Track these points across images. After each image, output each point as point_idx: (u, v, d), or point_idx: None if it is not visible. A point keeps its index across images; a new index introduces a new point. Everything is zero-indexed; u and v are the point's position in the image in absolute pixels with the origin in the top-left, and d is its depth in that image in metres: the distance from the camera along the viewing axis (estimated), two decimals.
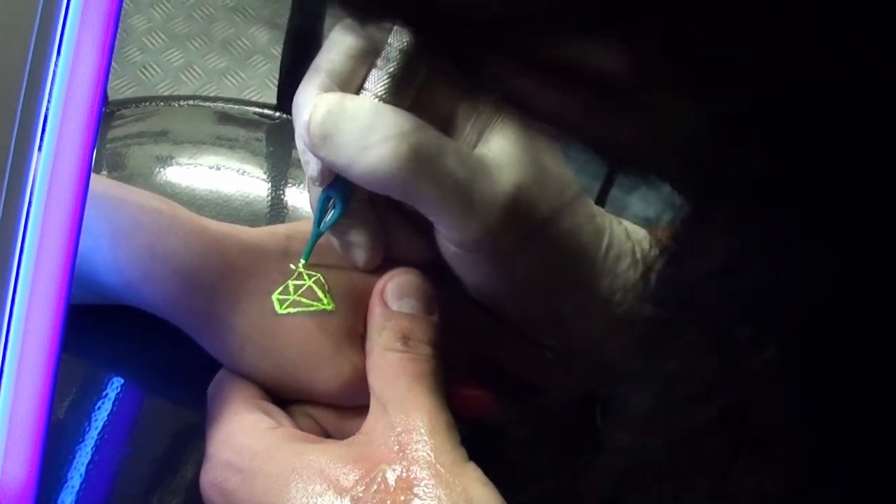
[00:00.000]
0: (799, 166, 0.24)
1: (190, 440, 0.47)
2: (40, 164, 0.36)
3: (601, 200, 0.50)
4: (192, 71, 1.57)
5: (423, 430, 0.38)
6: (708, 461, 0.31)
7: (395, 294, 0.43)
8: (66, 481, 0.44)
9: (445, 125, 0.42)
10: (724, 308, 0.27)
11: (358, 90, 0.41)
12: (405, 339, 0.41)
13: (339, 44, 0.41)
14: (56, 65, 0.36)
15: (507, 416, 0.47)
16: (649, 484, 0.33)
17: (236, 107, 0.64)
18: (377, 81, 0.41)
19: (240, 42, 1.61)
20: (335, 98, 0.40)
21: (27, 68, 0.35)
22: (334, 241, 0.44)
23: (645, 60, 0.22)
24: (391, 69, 0.41)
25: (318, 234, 0.43)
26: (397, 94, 0.41)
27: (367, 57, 0.41)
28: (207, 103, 0.64)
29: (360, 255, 0.44)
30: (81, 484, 0.44)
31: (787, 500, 0.28)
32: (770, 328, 0.26)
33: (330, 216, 0.43)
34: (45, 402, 0.38)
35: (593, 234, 0.44)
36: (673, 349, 0.31)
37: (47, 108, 0.36)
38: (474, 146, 0.42)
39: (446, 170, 0.39)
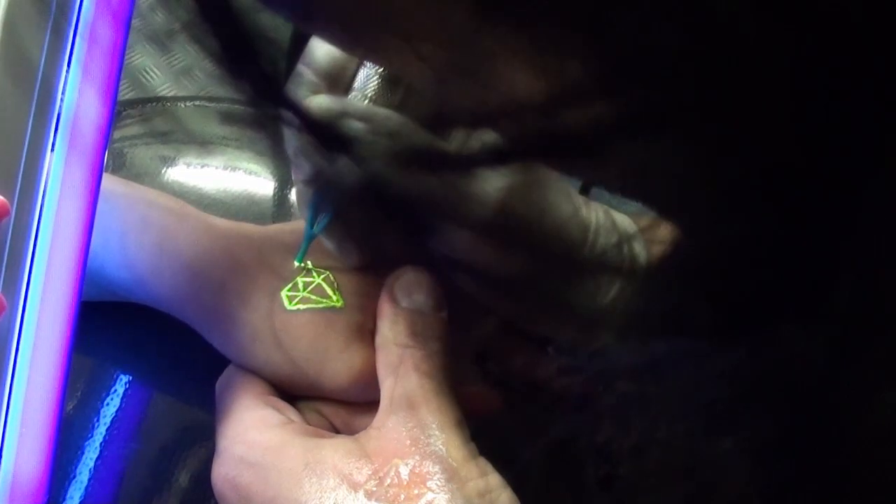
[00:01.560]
0: None
1: (198, 436, 0.47)
2: (53, 164, 0.37)
3: (585, 190, 0.51)
4: (192, 74, 1.57)
5: (434, 425, 0.38)
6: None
7: (403, 291, 0.43)
8: (74, 476, 0.45)
9: (434, 122, 0.42)
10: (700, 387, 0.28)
11: (347, 90, 0.41)
12: (415, 335, 0.41)
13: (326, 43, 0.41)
14: (69, 66, 0.36)
15: (511, 414, 0.47)
16: None
17: (241, 107, 0.64)
18: (367, 82, 0.40)
19: None
20: (326, 101, 0.39)
21: (41, 69, 0.35)
22: (325, 241, 0.44)
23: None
24: (381, 69, 0.40)
25: (311, 236, 0.43)
26: (387, 94, 0.40)
27: (355, 56, 0.41)
28: (213, 104, 0.64)
29: (351, 255, 0.44)
30: (90, 479, 0.45)
31: None
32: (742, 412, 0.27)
33: (322, 218, 0.43)
34: (57, 397, 0.38)
35: (579, 228, 0.45)
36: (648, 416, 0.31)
37: (60, 109, 0.37)
38: (464, 142, 0.42)
39: (438, 171, 0.39)
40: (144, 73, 1.56)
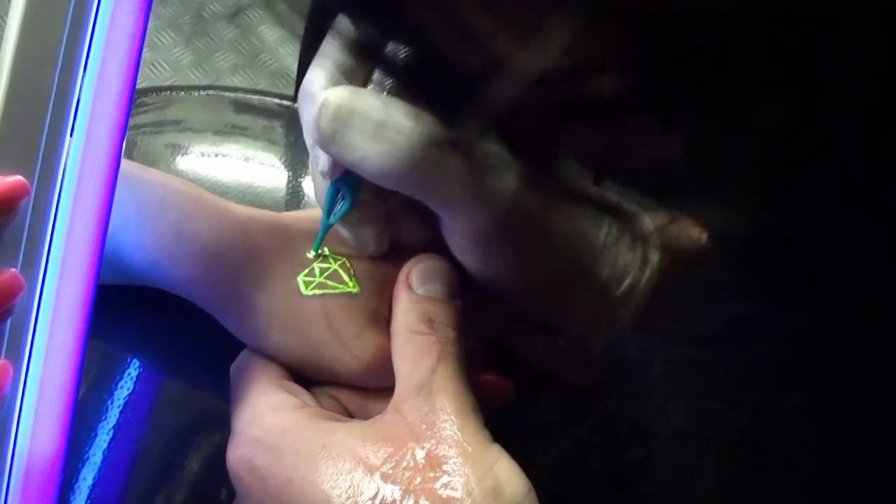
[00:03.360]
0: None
1: (210, 420, 0.47)
2: (72, 148, 0.37)
3: (598, 181, 0.51)
4: (200, 69, 1.57)
5: (449, 410, 0.39)
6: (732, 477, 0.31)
7: (419, 279, 0.43)
8: (87, 458, 0.45)
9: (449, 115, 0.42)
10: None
11: (365, 82, 0.41)
12: (430, 322, 0.41)
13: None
14: (89, 51, 0.36)
15: (524, 403, 0.47)
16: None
17: (255, 97, 0.64)
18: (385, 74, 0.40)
19: (248, 41, 1.62)
20: (345, 93, 0.39)
21: (61, 54, 0.35)
22: (342, 231, 0.45)
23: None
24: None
25: (327, 226, 0.43)
26: (406, 87, 0.40)
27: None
28: (226, 93, 0.64)
29: (367, 244, 0.45)
30: (103, 461, 0.45)
31: None
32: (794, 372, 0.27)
33: (339, 208, 0.43)
34: (73, 378, 0.39)
35: (592, 217, 0.45)
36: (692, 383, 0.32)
37: (80, 94, 0.37)
38: (480, 137, 0.42)
39: (456, 166, 0.39)
40: (153, 67, 1.56)
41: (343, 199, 0.43)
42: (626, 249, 0.46)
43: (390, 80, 0.40)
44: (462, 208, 0.40)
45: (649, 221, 0.48)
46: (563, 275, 0.44)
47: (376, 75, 0.41)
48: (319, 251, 0.44)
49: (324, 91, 0.40)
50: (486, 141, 0.41)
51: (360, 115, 0.39)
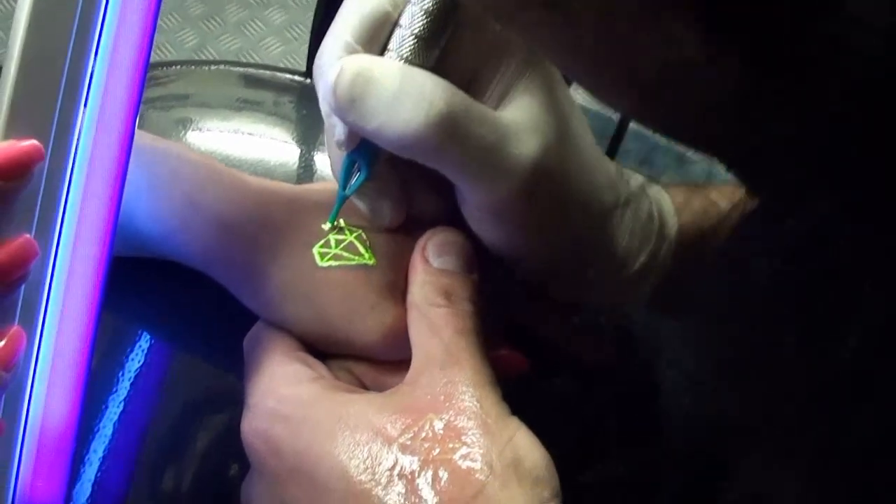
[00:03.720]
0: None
1: (222, 392, 0.47)
2: (86, 118, 0.37)
3: (612, 153, 0.51)
4: (205, 52, 1.56)
5: (467, 382, 0.38)
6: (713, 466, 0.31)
7: (436, 251, 0.43)
8: (98, 430, 0.44)
9: (468, 83, 0.41)
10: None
11: (382, 51, 0.41)
12: (447, 294, 0.41)
13: (359, 2, 0.40)
14: (103, 21, 0.36)
15: (539, 378, 0.47)
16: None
17: (266, 71, 0.64)
18: (402, 42, 0.40)
19: (254, 24, 1.61)
20: (362, 60, 0.39)
21: (75, 25, 0.35)
22: (358, 203, 0.44)
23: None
24: (416, 30, 0.40)
25: (343, 198, 0.43)
26: (423, 55, 0.40)
27: (390, 15, 0.40)
28: (238, 68, 0.64)
29: (384, 217, 0.44)
30: (114, 433, 0.44)
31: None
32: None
33: (355, 180, 0.42)
34: (86, 347, 0.38)
35: (610, 190, 0.44)
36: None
37: (94, 64, 0.36)
38: (498, 105, 0.41)
39: (476, 134, 0.39)
40: (158, 50, 1.56)
41: (359, 170, 0.42)
42: (644, 224, 0.46)
43: (408, 49, 0.40)
44: (481, 178, 0.40)
45: (667, 196, 0.48)
46: (579, 247, 0.44)
47: (393, 43, 0.40)
48: (335, 223, 0.43)
49: (340, 59, 0.39)
50: (504, 110, 0.41)
51: (378, 82, 0.38)
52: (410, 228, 0.44)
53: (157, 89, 0.62)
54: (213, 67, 0.64)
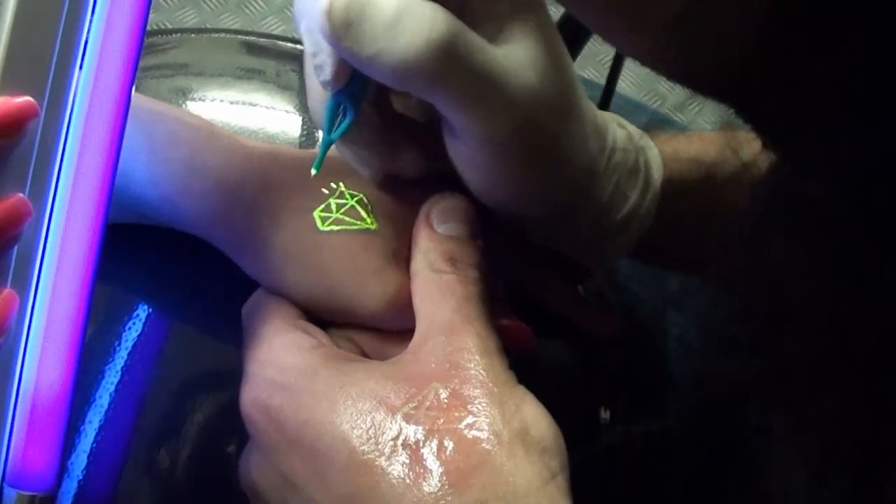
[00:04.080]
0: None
1: (220, 362, 0.46)
2: (81, 79, 0.36)
3: (604, 104, 0.50)
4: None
5: (473, 350, 0.37)
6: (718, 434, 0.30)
7: (440, 217, 0.42)
8: (94, 400, 0.43)
9: (464, 16, 0.38)
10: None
11: None
12: (453, 261, 0.40)
13: None
14: None
15: (544, 350, 0.46)
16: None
17: (267, 40, 0.63)
18: None
19: (254, 2, 1.60)
20: None
21: None
22: (344, 150, 0.43)
23: None
24: None
25: (328, 142, 0.40)
26: None
27: None
28: (239, 36, 0.63)
29: (369, 165, 0.43)
30: (110, 403, 0.43)
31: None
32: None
33: (341, 123, 0.40)
34: (81, 312, 0.37)
35: (597, 137, 0.43)
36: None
37: (90, 24, 0.35)
38: (493, 39, 0.39)
39: (477, 62, 0.37)
40: (158, 29, 1.55)
41: (344, 114, 0.40)
42: (629, 173, 0.45)
43: None
44: (480, 109, 0.37)
45: (655, 147, 0.47)
46: (566, 191, 0.43)
47: None
48: (338, 185, 0.42)
49: None
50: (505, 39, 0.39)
51: (375, 3, 0.35)
52: (414, 194, 0.43)
53: (157, 56, 0.61)
54: (214, 35, 0.63)
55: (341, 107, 0.40)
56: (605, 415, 0.47)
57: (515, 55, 0.38)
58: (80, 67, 0.36)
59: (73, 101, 0.36)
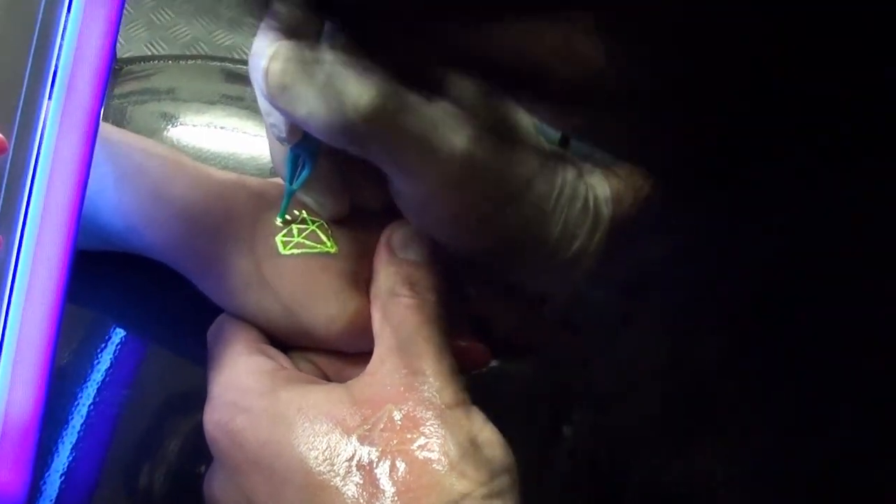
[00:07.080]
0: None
1: (192, 385, 0.47)
2: (51, 111, 0.37)
3: (565, 142, 0.50)
4: (198, 48, 1.56)
5: (428, 373, 0.38)
6: (677, 437, 0.31)
7: (401, 242, 0.43)
8: (67, 423, 0.44)
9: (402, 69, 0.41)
10: (677, 296, 0.28)
11: (315, 40, 0.40)
12: (411, 285, 0.41)
13: None
14: (68, 12, 0.36)
15: (500, 369, 0.47)
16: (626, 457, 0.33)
17: (246, 66, 0.64)
18: (334, 32, 0.39)
19: (248, 20, 1.61)
20: (292, 46, 0.38)
21: (39, 17, 0.35)
22: (305, 198, 0.44)
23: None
24: None
25: (291, 192, 0.43)
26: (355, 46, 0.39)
27: None
28: (216, 62, 0.64)
29: (329, 210, 0.44)
30: (83, 425, 0.44)
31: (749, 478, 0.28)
32: (718, 317, 0.26)
33: (300, 173, 0.42)
34: (51, 337, 0.38)
35: (546, 179, 0.44)
36: (631, 332, 0.31)
37: (58, 58, 0.36)
38: (429, 94, 0.40)
39: (406, 124, 0.38)
40: (151, 46, 1.56)
41: (303, 165, 0.42)
42: (579, 210, 0.46)
43: (341, 35, 0.39)
44: (411, 169, 0.39)
45: (605, 183, 0.48)
46: (512, 236, 0.44)
47: (326, 30, 0.40)
48: (285, 218, 0.44)
49: (272, 46, 0.39)
50: (437, 97, 0.40)
51: (307, 68, 0.37)
52: (374, 221, 0.44)
53: (140, 83, 0.62)
54: (194, 62, 0.64)
55: (300, 158, 0.42)
56: (567, 431, 0.48)
57: (450, 109, 0.39)
58: (50, 97, 0.37)
59: (43, 132, 0.37)
